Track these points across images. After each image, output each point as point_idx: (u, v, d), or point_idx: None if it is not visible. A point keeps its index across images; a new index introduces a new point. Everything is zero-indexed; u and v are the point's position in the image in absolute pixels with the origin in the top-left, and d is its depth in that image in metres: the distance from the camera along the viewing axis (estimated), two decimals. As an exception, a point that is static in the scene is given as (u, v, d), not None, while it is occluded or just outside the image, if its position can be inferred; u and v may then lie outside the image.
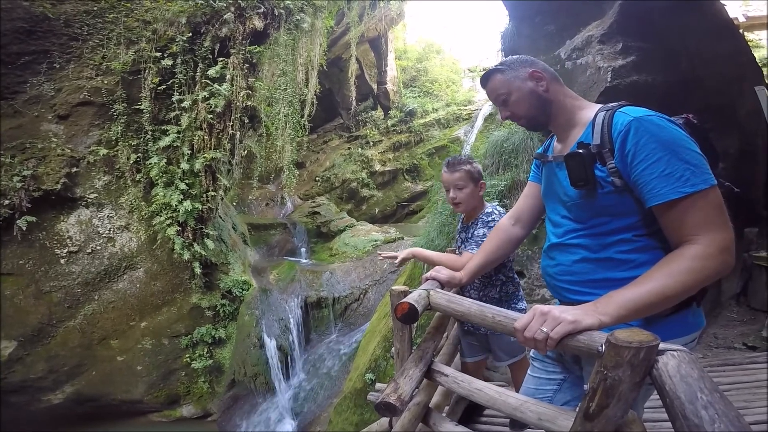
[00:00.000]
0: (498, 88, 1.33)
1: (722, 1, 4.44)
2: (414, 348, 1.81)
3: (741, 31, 6.43)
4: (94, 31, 5.97)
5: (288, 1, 6.69)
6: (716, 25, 4.14)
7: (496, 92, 1.34)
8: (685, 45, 3.75)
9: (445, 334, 2.68)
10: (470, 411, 2.71)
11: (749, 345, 3.64)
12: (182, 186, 5.97)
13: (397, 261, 2.21)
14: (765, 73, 5.70)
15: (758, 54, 6.72)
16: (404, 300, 1.49)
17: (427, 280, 1.74)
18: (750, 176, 4.35)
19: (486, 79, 1.37)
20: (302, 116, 7.82)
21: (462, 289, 2.15)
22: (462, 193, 2.10)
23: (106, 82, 5.96)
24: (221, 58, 6.22)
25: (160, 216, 5.94)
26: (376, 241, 8.42)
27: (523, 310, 2.16)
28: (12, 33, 5.53)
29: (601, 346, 0.86)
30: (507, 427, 2.05)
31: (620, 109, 1.14)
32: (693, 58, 3.79)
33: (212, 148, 6.17)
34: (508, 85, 1.31)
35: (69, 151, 5.79)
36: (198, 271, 6.12)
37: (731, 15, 4.76)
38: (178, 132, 6.04)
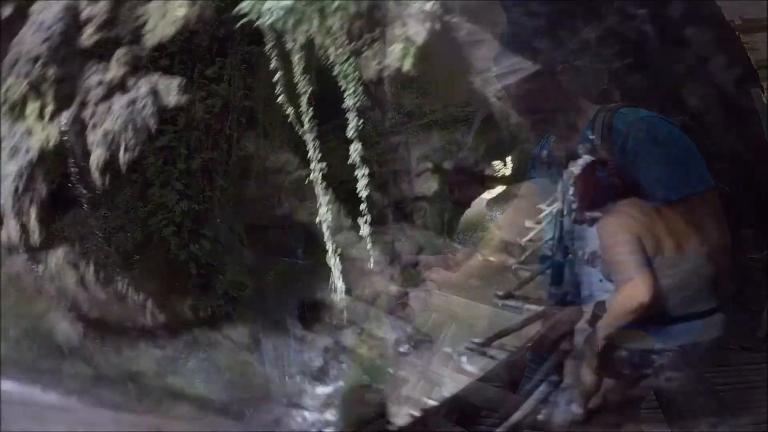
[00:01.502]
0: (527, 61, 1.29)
1: (719, 3, 4.46)
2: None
3: (738, 33, 6.46)
4: (91, 30, 5.94)
5: (287, 1, 6.67)
6: (713, 27, 4.16)
7: (522, 64, 1.30)
8: (682, 47, 3.77)
9: (443, 335, 2.68)
10: (468, 412, 2.71)
11: (745, 346, 3.65)
12: (179, 186, 5.94)
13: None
14: (762, 75, 5.71)
15: (755, 57, 6.75)
16: (402, 301, 1.49)
17: (425, 281, 1.74)
18: (746, 177, 4.36)
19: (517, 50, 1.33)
20: (300, 117, 7.80)
21: None
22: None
23: (102, 81, 5.92)
24: (219, 58, 6.19)
25: (156, 216, 5.90)
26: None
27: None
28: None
29: (599, 347, 0.86)
30: (504, 428, 2.05)
31: (620, 110, 1.14)
32: (689, 60, 3.81)
33: (209, 148, 6.13)
34: (540, 64, 1.29)
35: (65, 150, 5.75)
36: (194, 272, 6.09)
37: (728, 17, 4.78)
38: (175, 132, 6.01)
